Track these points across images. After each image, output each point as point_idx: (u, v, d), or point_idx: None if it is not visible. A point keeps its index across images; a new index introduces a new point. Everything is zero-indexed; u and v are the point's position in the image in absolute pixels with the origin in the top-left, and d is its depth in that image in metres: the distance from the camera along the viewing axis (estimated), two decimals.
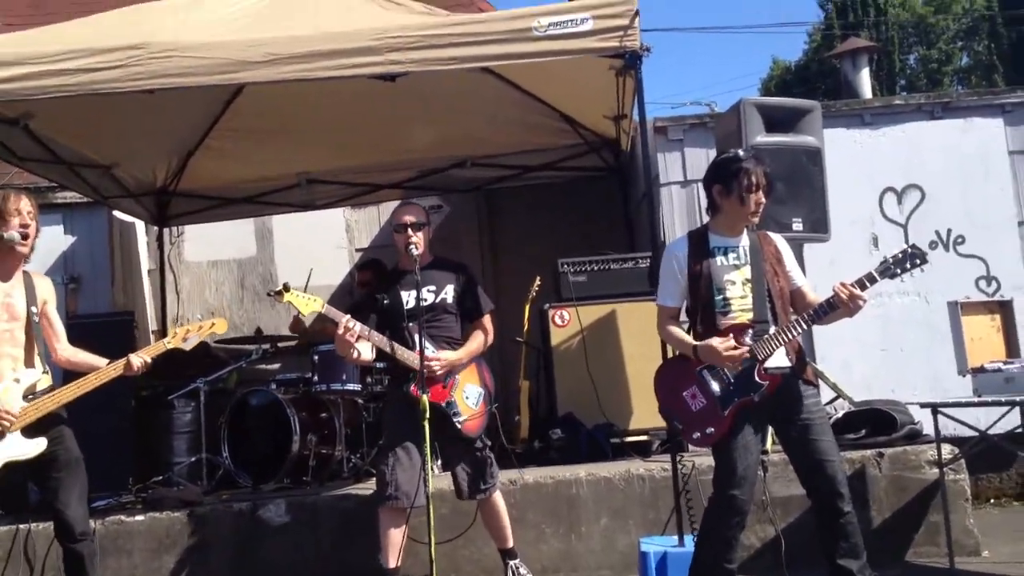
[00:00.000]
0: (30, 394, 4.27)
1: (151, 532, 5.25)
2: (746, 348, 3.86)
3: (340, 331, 4.60)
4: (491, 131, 7.42)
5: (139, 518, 5.30)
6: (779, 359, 3.93)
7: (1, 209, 4.28)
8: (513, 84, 6.73)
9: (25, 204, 4.34)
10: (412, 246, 4.78)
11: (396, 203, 8.59)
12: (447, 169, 7.92)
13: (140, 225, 8.51)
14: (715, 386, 3.93)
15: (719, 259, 4.02)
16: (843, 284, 3.85)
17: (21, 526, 5.15)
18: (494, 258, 8.66)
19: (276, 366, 7.66)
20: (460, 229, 8.57)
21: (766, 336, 3.89)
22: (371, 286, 6.96)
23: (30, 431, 4.23)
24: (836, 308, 3.86)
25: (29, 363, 4.33)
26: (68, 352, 4.52)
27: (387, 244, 8.50)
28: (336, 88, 5.75)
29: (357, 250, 9.02)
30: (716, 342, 3.88)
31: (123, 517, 5.31)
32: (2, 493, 4.25)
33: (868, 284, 3.87)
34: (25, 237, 4.30)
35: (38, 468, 4.28)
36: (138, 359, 4.39)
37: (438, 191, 8.38)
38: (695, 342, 3.95)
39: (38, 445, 4.23)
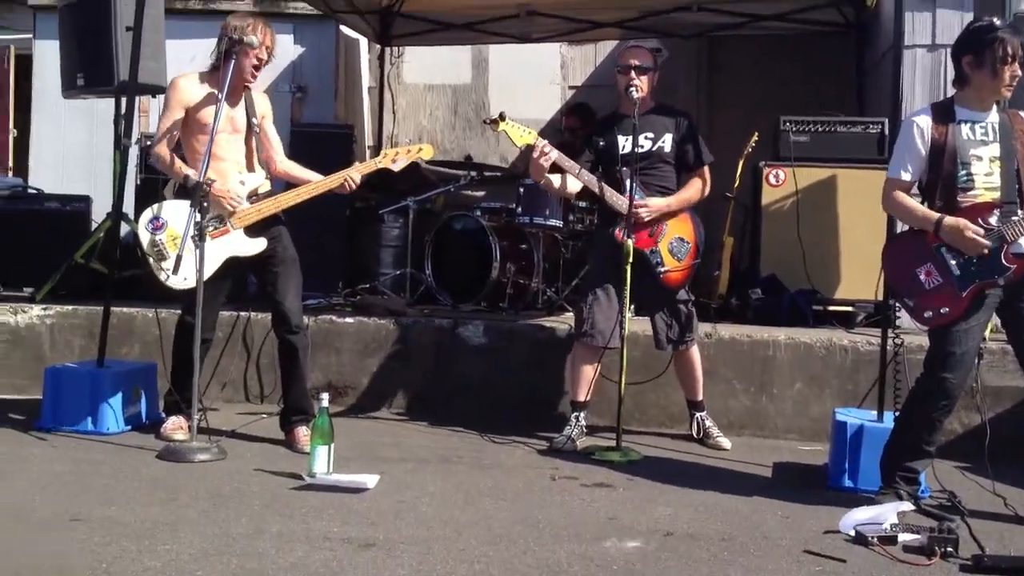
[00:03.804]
0: (253, 195, 4.52)
1: (359, 335, 5.55)
2: (986, 242, 3.62)
3: (536, 154, 4.64)
4: None
5: (348, 320, 5.61)
6: (1020, 244, 3.67)
7: (250, 30, 4.40)
8: None
9: (269, 38, 4.48)
10: (633, 88, 4.69)
11: (614, 43, 8.46)
12: (671, 11, 7.60)
13: (363, 43, 8.68)
14: (955, 265, 3.70)
15: (966, 132, 3.76)
16: None
17: (241, 313, 5.56)
18: (710, 109, 8.38)
19: (481, 194, 7.78)
20: (678, 76, 8.29)
21: (1016, 219, 3.64)
22: (577, 131, 7.01)
23: (252, 231, 4.50)
24: None
25: (251, 169, 4.58)
26: (286, 164, 4.72)
27: (601, 84, 8.43)
28: None
29: (570, 87, 8.93)
30: (966, 223, 3.64)
31: (334, 317, 5.63)
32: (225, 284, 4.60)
33: None
34: (257, 68, 4.48)
35: (259, 263, 4.57)
36: (357, 176, 4.55)
37: (659, 34, 8.07)
38: (936, 215, 3.71)
39: (258, 244, 4.51)
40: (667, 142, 4.81)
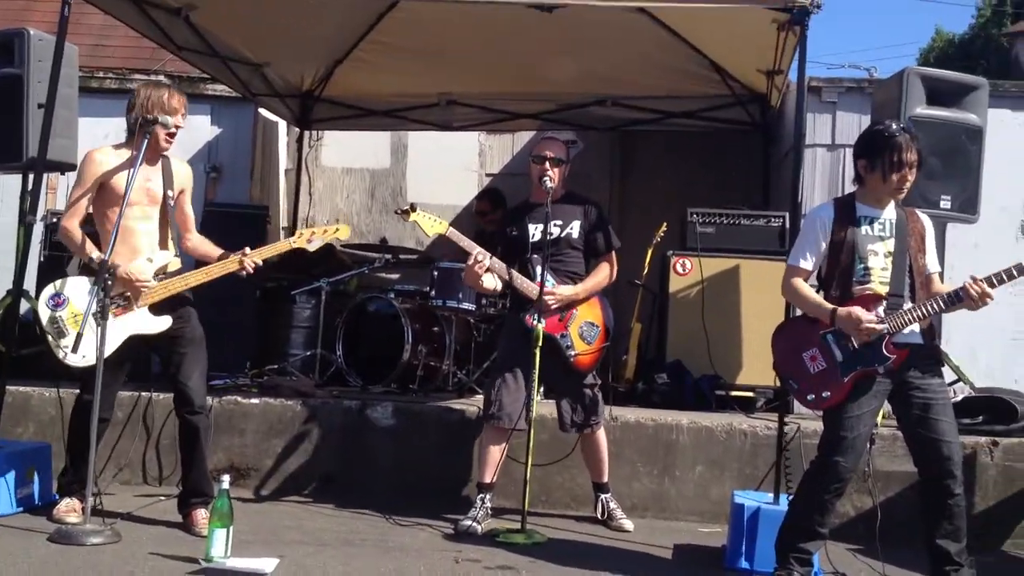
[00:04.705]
0: (161, 274, 4.46)
1: (264, 415, 5.49)
2: (883, 326, 3.77)
3: (470, 262, 4.77)
4: (637, 73, 7.34)
5: (254, 401, 5.54)
6: (909, 334, 3.83)
7: (167, 101, 4.41)
8: (667, 28, 6.62)
9: (184, 107, 4.49)
10: (547, 178, 4.83)
11: (531, 133, 8.69)
12: (587, 106, 7.89)
13: (282, 125, 8.75)
14: (838, 352, 3.84)
15: (864, 228, 3.92)
16: (975, 280, 3.72)
17: (143, 393, 5.44)
18: (622, 199, 8.63)
19: (396, 276, 7.85)
20: (591, 167, 8.53)
21: (900, 311, 3.80)
22: (487, 215, 7.18)
23: (157, 309, 4.43)
24: (961, 300, 3.76)
25: (163, 245, 4.51)
26: (196, 240, 4.68)
27: (517, 172, 8.60)
28: (489, 13, 5.77)
29: (487, 175, 9.09)
30: (860, 312, 3.78)
31: (239, 398, 5.56)
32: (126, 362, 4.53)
33: (1005, 280, 3.73)
34: (173, 135, 4.47)
35: (164, 343, 4.49)
36: (250, 262, 4.50)
37: (575, 126, 8.35)
38: (831, 305, 3.85)
39: (163, 322, 4.43)
40: (575, 229, 4.95)
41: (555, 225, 4.90)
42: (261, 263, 4.57)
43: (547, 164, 4.87)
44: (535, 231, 4.88)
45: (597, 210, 5.05)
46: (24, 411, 5.44)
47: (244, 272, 4.53)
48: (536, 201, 4.94)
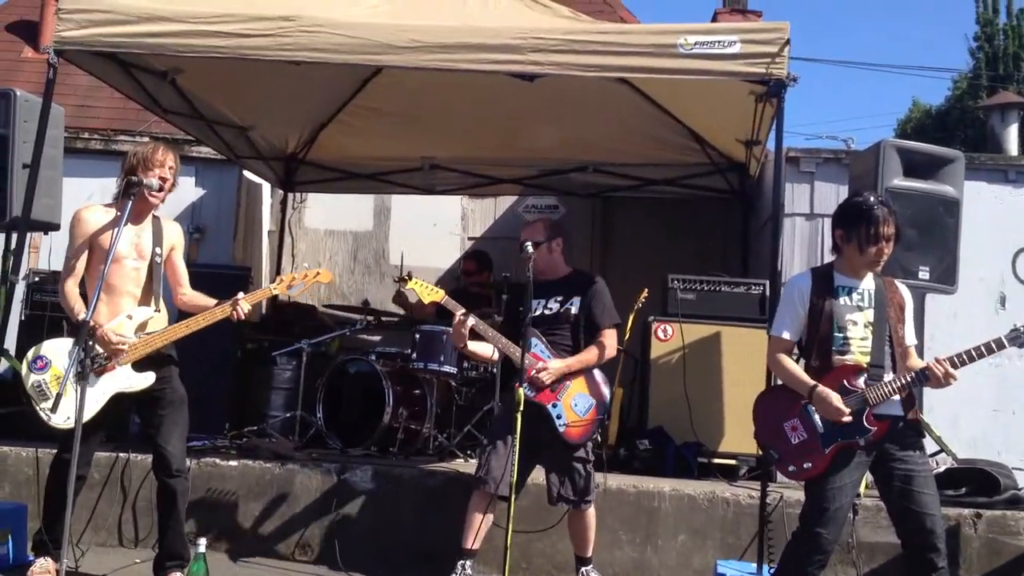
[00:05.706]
0: (141, 330, 4.41)
1: (242, 478, 5.41)
2: (850, 412, 3.80)
3: (456, 322, 4.79)
4: (618, 140, 7.47)
5: (232, 463, 5.47)
6: (890, 406, 3.85)
7: (148, 157, 4.42)
8: (647, 97, 6.76)
9: (171, 159, 4.48)
10: (530, 257, 4.83)
11: (513, 198, 8.78)
12: (568, 172, 8.00)
13: (266, 187, 8.81)
14: (819, 423, 3.85)
15: (843, 299, 3.95)
16: (939, 361, 3.78)
17: (121, 454, 5.37)
18: (603, 265, 8.65)
19: (378, 338, 7.83)
20: (573, 232, 8.57)
21: (881, 382, 3.83)
22: (473, 275, 7.24)
23: (140, 365, 4.39)
24: (927, 380, 3.81)
25: (145, 303, 4.47)
26: (189, 294, 4.64)
27: (499, 236, 8.70)
28: (472, 81, 5.87)
29: (470, 238, 9.15)
30: (836, 398, 3.81)
31: (217, 460, 5.48)
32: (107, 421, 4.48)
33: (967, 362, 3.79)
34: (160, 189, 4.43)
35: (144, 403, 4.45)
36: (245, 305, 4.47)
37: (556, 192, 8.46)
38: (812, 381, 3.88)
39: (147, 379, 4.39)
40: (575, 305, 4.96)
41: (556, 300, 4.97)
42: (248, 308, 4.53)
43: (528, 246, 4.82)
44: (537, 305, 4.93)
45: (597, 287, 5.04)
46: (1, 471, 5.33)
47: (235, 317, 4.46)
48: (539, 279, 4.95)
